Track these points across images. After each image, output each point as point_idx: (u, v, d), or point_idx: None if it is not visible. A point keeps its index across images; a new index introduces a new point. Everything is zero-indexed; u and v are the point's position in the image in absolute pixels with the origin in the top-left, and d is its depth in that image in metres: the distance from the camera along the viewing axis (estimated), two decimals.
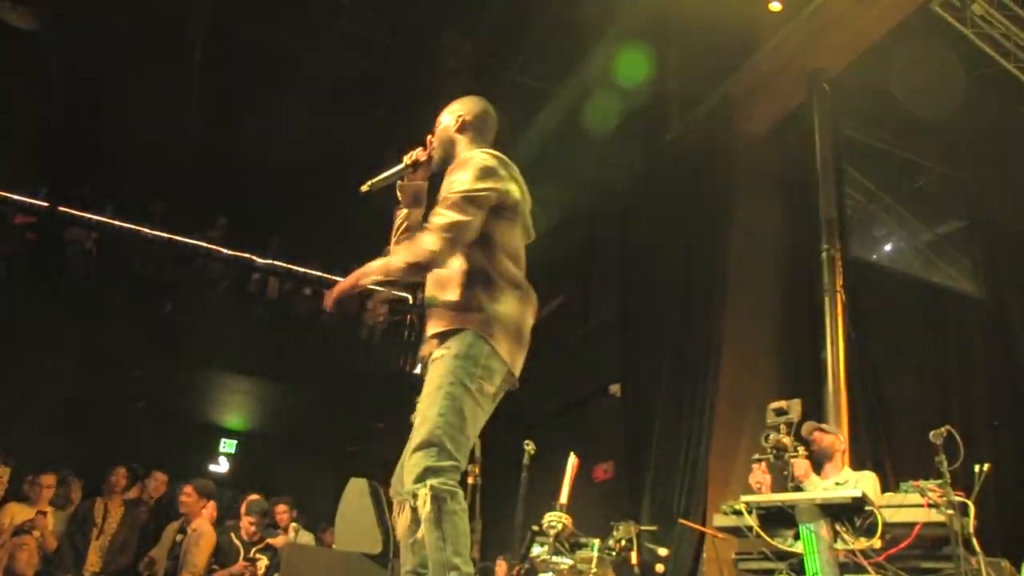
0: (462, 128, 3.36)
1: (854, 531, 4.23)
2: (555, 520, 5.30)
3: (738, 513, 4.59)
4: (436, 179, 3.39)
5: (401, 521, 2.96)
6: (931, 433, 4.26)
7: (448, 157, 3.33)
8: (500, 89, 9.96)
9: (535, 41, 9.86)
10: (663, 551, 5.96)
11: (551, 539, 5.27)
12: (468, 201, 3.02)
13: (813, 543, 4.11)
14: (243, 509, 7.34)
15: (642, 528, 5.64)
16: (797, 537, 4.34)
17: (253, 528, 7.18)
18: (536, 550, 5.37)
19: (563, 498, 5.53)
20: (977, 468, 4.28)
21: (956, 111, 8.20)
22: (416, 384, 3.11)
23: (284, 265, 13.02)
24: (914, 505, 4.33)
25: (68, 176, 12.92)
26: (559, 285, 11.46)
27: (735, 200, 8.10)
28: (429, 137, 3.39)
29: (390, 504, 3.57)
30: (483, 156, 3.16)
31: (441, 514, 2.76)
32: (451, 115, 3.39)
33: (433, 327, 3.07)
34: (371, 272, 3.04)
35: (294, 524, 8.14)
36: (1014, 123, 8.20)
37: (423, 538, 2.86)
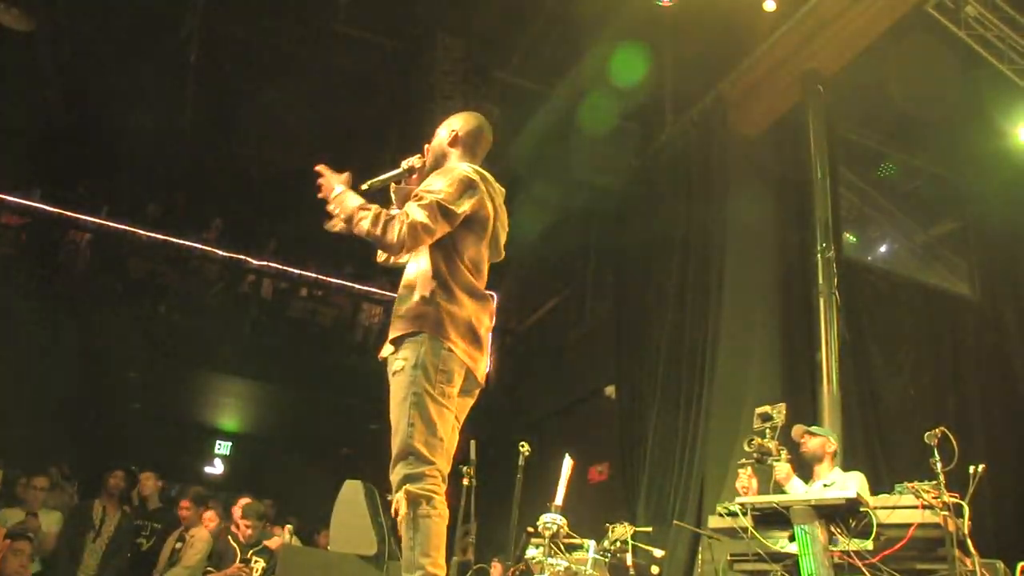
0: (454, 142, 3.50)
1: (849, 532, 4.23)
2: (550, 521, 5.30)
3: (733, 515, 4.60)
4: None
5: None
6: (925, 434, 4.27)
7: (437, 167, 3.45)
8: (494, 90, 9.98)
9: (529, 42, 9.88)
10: (659, 552, 5.95)
11: (546, 540, 5.26)
12: (444, 213, 3.15)
13: (808, 544, 4.11)
14: (239, 512, 7.34)
15: (637, 529, 5.64)
16: (792, 539, 4.35)
17: (250, 531, 7.18)
18: (531, 551, 5.36)
19: (558, 499, 5.52)
20: (972, 469, 4.29)
21: (950, 112, 8.22)
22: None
23: (279, 266, 13.01)
24: (909, 506, 4.34)
25: (62, 177, 12.91)
26: (554, 287, 11.47)
27: (729, 201, 8.10)
28: (426, 145, 3.53)
29: (386, 505, 3.60)
30: (466, 168, 3.31)
31: (415, 517, 2.94)
32: (447, 128, 3.53)
33: (392, 331, 3.20)
34: (343, 204, 3.18)
35: (288, 526, 8.14)
36: (1008, 125, 8.21)
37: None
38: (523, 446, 5.58)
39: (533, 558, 5.32)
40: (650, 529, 6.05)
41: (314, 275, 13.20)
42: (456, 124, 3.53)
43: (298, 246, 13.47)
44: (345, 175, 3.30)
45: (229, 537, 7.19)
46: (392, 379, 3.13)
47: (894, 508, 4.37)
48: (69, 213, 12.26)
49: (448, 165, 3.38)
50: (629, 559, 5.55)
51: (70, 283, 11.86)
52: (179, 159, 13.17)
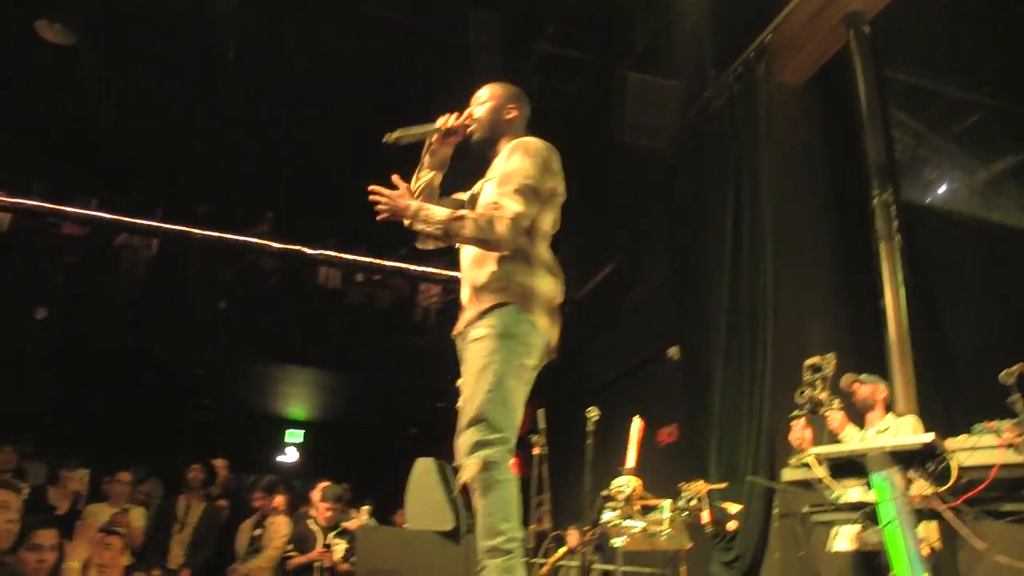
0: (511, 120, 3.49)
1: (927, 477, 4.17)
2: (624, 484, 5.31)
3: (807, 466, 4.56)
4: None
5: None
6: (1001, 373, 4.18)
7: (492, 139, 3.46)
8: (530, 62, 9.93)
9: (563, 10, 9.81)
10: (734, 508, 5.95)
11: (621, 503, 5.29)
12: (535, 195, 3.18)
13: (886, 491, 4.06)
14: (318, 496, 7.46)
15: (712, 487, 5.64)
16: (869, 487, 4.30)
17: (330, 514, 7.31)
18: (607, 515, 5.39)
19: (630, 462, 5.54)
20: None
21: (1002, 40, 8.00)
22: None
23: (334, 254, 13.14)
24: (989, 447, 4.25)
25: (116, 185, 13.17)
26: (608, 253, 11.43)
27: (778, 153, 7.98)
28: (469, 110, 3.47)
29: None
30: (545, 147, 3.30)
31: (489, 483, 2.90)
32: (501, 101, 3.51)
33: (475, 303, 3.18)
34: (430, 219, 3.16)
35: (365, 507, 8.27)
36: None
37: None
38: (592, 412, 5.60)
39: (609, 522, 5.34)
40: (725, 485, 6.04)
41: (370, 259, 13.31)
42: (511, 99, 3.52)
43: (351, 232, 13.59)
44: (404, 187, 3.30)
45: (309, 521, 7.32)
46: (471, 346, 3.12)
47: (973, 449, 4.29)
48: (126, 219, 12.53)
49: (522, 141, 3.34)
50: (706, 516, 5.55)
51: (131, 287, 12.12)
52: (225, 156, 13.34)
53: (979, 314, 8.37)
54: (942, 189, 10.03)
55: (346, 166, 13.01)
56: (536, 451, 5.69)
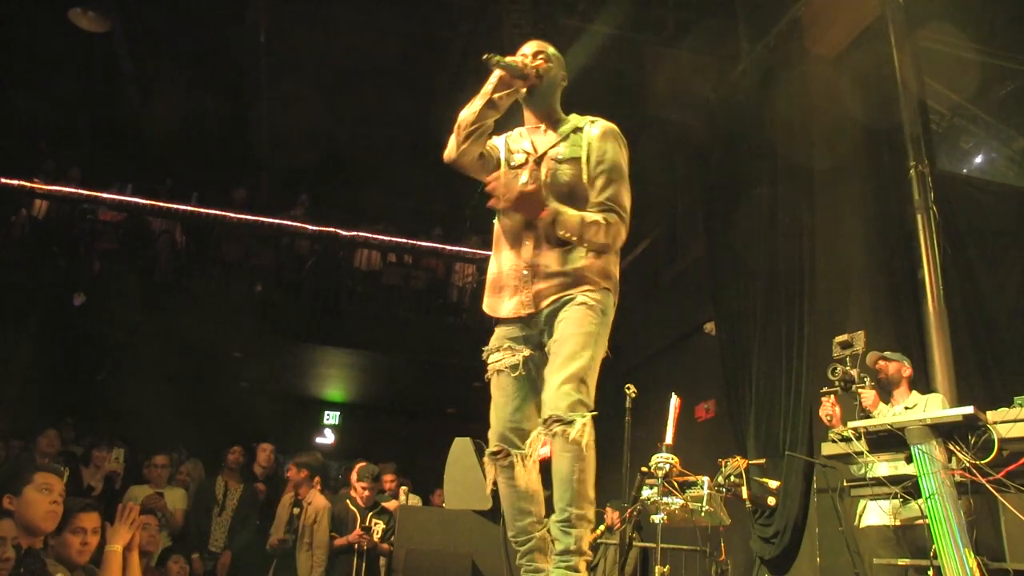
0: (562, 90, 3.44)
1: (968, 449, 4.14)
2: (663, 461, 5.33)
3: (847, 440, 4.54)
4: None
5: (524, 473, 3.08)
6: None
7: (550, 103, 3.40)
8: (563, 37, 9.88)
9: None
10: (774, 484, 5.95)
11: (660, 480, 5.31)
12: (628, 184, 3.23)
13: (927, 464, 4.04)
14: (354, 476, 7.53)
15: (751, 463, 5.64)
16: (909, 460, 4.28)
17: (368, 493, 7.37)
18: (646, 492, 5.41)
19: (668, 439, 5.55)
20: None
21: None
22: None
23: (369, 235, 13.20)
24: None
25: (151, 171, 13.30)
26: (642, 229, 11.38)
27: (814, 125, 7.92)
28: (541, 59, 3.34)
29: None
30: (621, 135, 3.32)
31: (587, 448, 2.85)
32: (562, 69, 3.44)
33: (570, 283, 3.11)
34: (567, 224, 3.06)
35: (403, 488, 8.33)
36: None
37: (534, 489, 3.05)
38: (629, 389, 5.60)
39: (648, 498, 5.36)
40: (763, 461, 6.04)
41: (404, 240, 13.36)
42: (562, 62, 3.44)
43: (386, 214, 13.65)
44: (537, 185, 3.14)
45: (348, 501, 7.39)
46: (574, 308, 3.04)
47: (1015, 422, 4.25)
48: (162, 204, 12.66)
49: (613, 129, 3.33)
50: (744, 492, 5.55)
51: (169, 272, 12.25)
52: (258, 141, 13.43)
53: (1018, 284, 8.25)
54: (978, 159, 9.89)
55: (379, 148, 13.08)
56: None
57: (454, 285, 13.52)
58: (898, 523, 5.23)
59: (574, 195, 3.18)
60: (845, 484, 5.34)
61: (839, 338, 5.31)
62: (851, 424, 4.49)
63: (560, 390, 2.87)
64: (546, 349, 3.09)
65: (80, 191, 12.38)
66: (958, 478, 4.12)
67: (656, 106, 9.35)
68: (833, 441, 4.74)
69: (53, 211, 12.18)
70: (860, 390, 5.16)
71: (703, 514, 5.50)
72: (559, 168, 3.23)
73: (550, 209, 3.06)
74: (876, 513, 5.38)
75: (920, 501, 4.09)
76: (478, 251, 13.09)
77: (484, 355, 3.27)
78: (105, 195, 12.46)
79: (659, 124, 9.78)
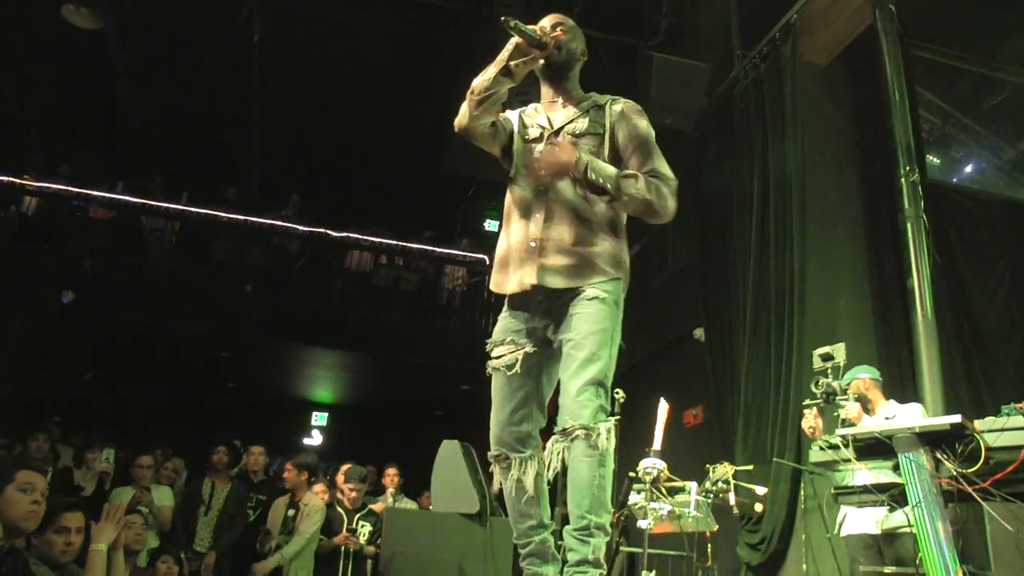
0: (581, 65, 3.34)
1: (956, 458, 4.15)
2: (650, 466, 5.32)
3: (835, 447, 4.54)
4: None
5: (526, 477, 3.00)
6: None
7: (568, 77, 3.30)
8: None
9: None
10: (761, 490, 5.95)
11: (648, 485, 5.30)
12: None
13: (914, 472, 4.05)
14: (341, 478, 7.50)
15: (738, 468, 5.64)
16: (896, 468, 4.28)
17: (355, 495, 7.35)
18: (634, 497, 5.40)
19: (657, 444, 5.54)
20: None
21: None
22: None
23: (360, 236, 13.17)
24: (1018, 428, 4.21)
25: (141, 169, 13.26)
26: (634, 233, 11.37)
27: (806, 133, 7.92)
28: (560, 30, 3.22)
29: (484, 463, 3.55)
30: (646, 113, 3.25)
31: (608, 455, 2.78)
32: (582, 43, 3.32)
33: (586, 274, 3.01)
34: (602, 172, 2.94)
35: (391, 490, 8.31)
36: None
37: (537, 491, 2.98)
38: (618, 393, 5.58)
39: (636, 504, 5.36)
40: (751, 467, 6.04)
41: (395, 242, 13.33)
42: (584, 45, 3.34)
43: (377, 215, 13.62)
44: (567, 140, 3.09)
45: (336, 505, 7.37)
46: (587, 303, 2.95)
47: (1002, 431, 4.25)
48: (152, 202, 12.60)
49: (638, 108, 3.27)
50: (732, 498, 5.55)
51: (157, 270, 12.20)
52: (251, 140, 13.40)
53: (1007, 294, 8.29)
54: (969, 168, 9.92)
55: (372, 149, 13.07)
56: None
57: (444, 287, 13.51)
58: (879, 532, 5.24)
59: None
60: (832, 491, 5.35)
61: (820, 351, 5.33)
62: (839, 431, 4.49)
63: (580, 398, 2.79)
64: (555, 345, 3.00)
65: (70, 188, 12.32)
66: (945, 486, 4.13)
67: (648, 112, 9.34)
68: (821, 448, 4.75)
69: (43, 208, 12.13)
70: (843, 402, 5.18)
71: (690, 520, 5.50)
72: (577, 143, 3.10)
73: (582, 158, 2.93)
74: (856, 521, 5.39)
75: (906, 509, 4.09)
76: (469, 254, 13.08)
77: (488, 347, 3.13)
78: (95, 192, 12.40)
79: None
